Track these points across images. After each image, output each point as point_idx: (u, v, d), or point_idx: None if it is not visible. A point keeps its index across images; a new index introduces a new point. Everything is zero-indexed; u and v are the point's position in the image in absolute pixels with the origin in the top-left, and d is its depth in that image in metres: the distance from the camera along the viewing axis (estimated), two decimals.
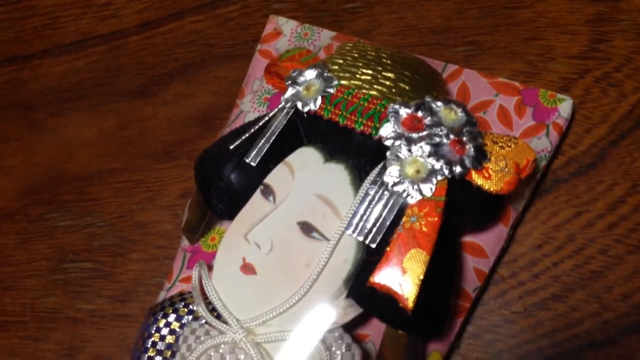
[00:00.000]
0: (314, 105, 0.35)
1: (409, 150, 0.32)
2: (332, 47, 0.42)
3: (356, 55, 0.36)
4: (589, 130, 0.41)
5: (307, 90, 0.35)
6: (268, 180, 0.35)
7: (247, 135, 0.36)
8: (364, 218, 0.32)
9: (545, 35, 0.43)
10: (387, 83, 0.34)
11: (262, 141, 0.35)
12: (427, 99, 0.33)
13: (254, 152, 0.35)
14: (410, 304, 0.30)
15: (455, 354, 0.39)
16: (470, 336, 0.39)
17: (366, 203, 0.32)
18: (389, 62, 0.35)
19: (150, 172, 0.47)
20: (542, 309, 0.38)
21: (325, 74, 0.35)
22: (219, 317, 0.34)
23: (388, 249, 0.31)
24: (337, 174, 0.34)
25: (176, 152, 0.47)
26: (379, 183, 0.32)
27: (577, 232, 0.39)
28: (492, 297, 0.39)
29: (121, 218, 0.46)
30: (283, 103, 0.36)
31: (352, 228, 0.32)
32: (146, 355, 0.35)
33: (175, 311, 0.36)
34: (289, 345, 0.32)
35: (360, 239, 0.32)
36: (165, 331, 0.35)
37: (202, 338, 0.33)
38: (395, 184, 0.32)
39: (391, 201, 0.32)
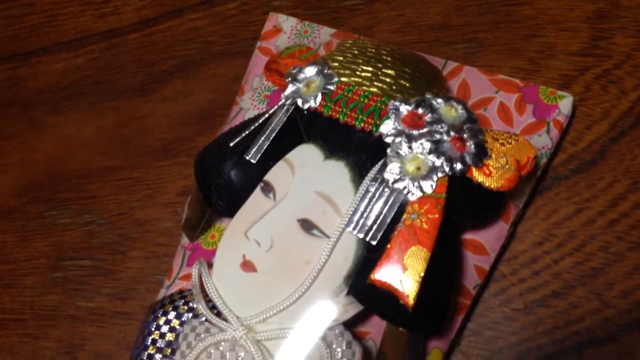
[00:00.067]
0: (314, 102, 0.35)
1: (410, 147, 0.32)
2: (332, 44, 0.42)
3: (356, 52, 0.36)
4: (589, 127, 0.41)
5: (307, 87, 0.35)
6: (268, 177, 0.35)
7: (247, 132, 0.36)
8: (365, 215, 0.32)
9: (545, 32, 0.43)
10: (388, 80, 0.34)
11: (262, 138, 0.35)
12: (428, 96, 0.33)
13: (254, 150, 0.35)
14: (410, 301, 0.30)
15: (456, 351, 0.39)
16: (471, 333, 0.39)
17: (367, 200, 0.32)
18: (389, 59, 0.35)
19: (149, 169, 0.47)
20: (543, 306, 0.38)
21: (326, 71, 0.35)
22: (219, 314, 0.34)
23: (389, 246, 0.31)
24: (338, 171, 0.34)
25: (175, 150, 0.47)
26: (379, 180, 0.32)
27: (578, 229, 0.39)
28: (493, 294, 0.39)
29: (121, 216, 0.46)
30: (283, 100, 0.36)
31: (352, 225, 0.32)
32: (146, 353, 0.35)
33: (175, 309, 0.36)
34: (289, 342, 0.32)
35: (361, 236, 0.32)
36: (165, 329, 0.35)
37: (202, 335, 0.33)
38: (395, 181, 0.32)
39: (392, 198, 0.32)
